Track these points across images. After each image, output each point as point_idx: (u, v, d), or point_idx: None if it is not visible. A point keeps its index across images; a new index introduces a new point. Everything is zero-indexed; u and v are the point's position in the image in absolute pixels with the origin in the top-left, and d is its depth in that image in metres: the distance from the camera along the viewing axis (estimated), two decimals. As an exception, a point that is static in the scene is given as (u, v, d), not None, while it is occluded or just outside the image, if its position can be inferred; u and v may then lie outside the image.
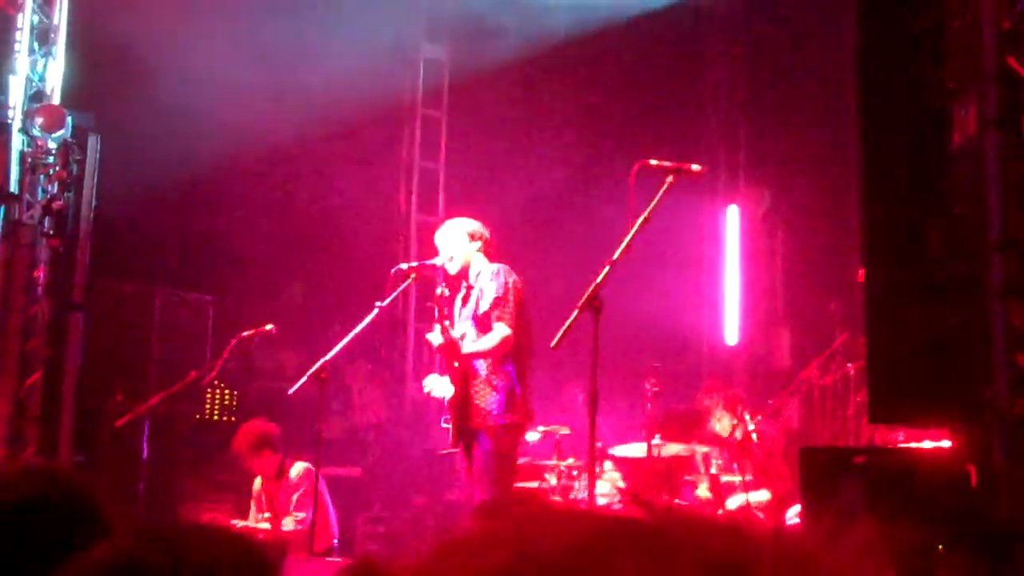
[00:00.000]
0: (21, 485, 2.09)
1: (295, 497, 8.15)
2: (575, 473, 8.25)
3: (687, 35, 12.00)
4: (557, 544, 0.78)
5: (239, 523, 8.21)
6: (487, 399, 6.86)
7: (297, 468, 8.26)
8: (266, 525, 8.08)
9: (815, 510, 3.80)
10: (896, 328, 3.60)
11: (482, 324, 7.01)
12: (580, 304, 5.41)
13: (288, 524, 8.08)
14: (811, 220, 10.54)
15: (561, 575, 0.76)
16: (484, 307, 6.94)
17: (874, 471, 3.40)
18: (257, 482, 8.42)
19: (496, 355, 6.88)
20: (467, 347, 6.99)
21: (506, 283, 6.97)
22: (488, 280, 6.99)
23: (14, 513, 2.01)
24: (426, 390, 7.19)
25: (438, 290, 6.95)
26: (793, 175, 11.03)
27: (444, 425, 7.09)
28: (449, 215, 7.71)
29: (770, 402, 8.53)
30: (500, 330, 6.87)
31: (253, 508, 8.43)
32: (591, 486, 5.45)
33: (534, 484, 8.00)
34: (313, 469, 7.87)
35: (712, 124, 12.13)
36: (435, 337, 6.96)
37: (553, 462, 8.36)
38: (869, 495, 3.35)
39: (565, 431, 8.55)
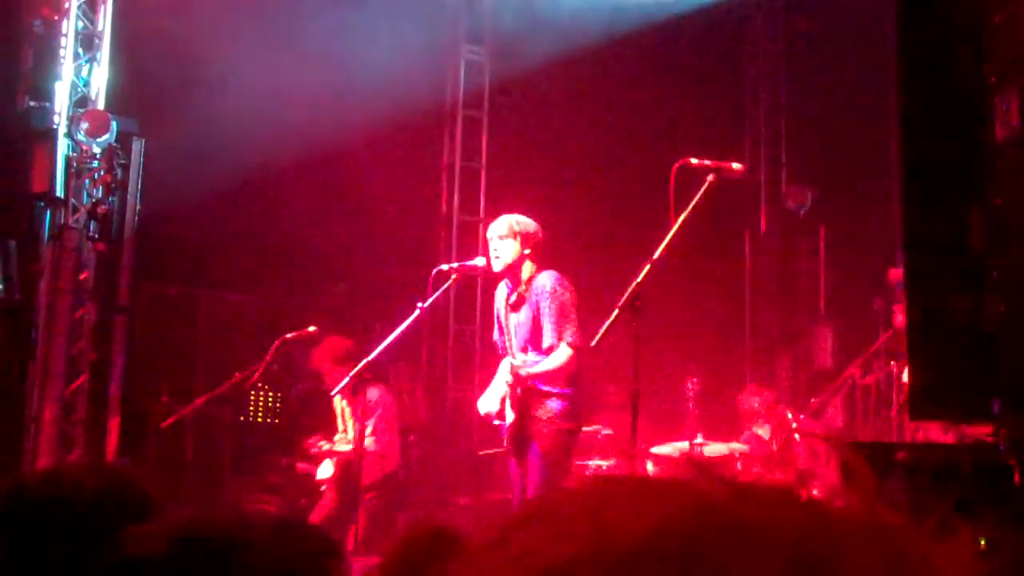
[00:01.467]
0: (83, 481, 2.12)
1: (373, 419, 8.32)
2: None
3: (728, 33, 11.98)
4: (637, 528, 0.75)
5: (325, 444, 8.54)
6: (546, 408, 6.81)
7: (374, 391, 8.36)
8: (347, 447, 8.29)
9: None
10: (938, 322, 3.58)
11: (537, 334, 6.94)
12: (620, 304, 5.41)
13: (369, 444, 8.18)
14: (853, 218, 10.49)
15: (637, 561, 0.73)
16: (546, 322, 6.87)
17: (916, 466, 3.38)
18: (337, 401, 8.58)
19: (562, 376, 6.83)
20: (530, 369, 6.91)
21: (563, 300, 6.89)
22: (547, 292, 6.90)
23: (78, 508, 2.04)
24: (483, 412, 7.14)
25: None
26: (836, 173, 10.98)
27: (497, 422, 7.04)
28: (490, 215, 7.69)
29: (813, 401, 8.49)
30: (565, 351, 6.80)
31: (340, 426, 8.66)
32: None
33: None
34: (389, 394, 8.22)
35: (754, 122, 12.09)
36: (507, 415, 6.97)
37: (595, 462, 8.36)
38: (911, 491, 3.33)
39: (607, 431, 8.55)
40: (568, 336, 6.77)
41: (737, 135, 11.94)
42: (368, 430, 8.21)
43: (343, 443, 8.45)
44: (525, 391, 6.86)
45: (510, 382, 6.81)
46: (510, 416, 6.92)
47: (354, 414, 8.21)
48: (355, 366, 8.02)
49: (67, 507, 2.04)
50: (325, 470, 8.57)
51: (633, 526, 0.75)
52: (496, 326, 7.21)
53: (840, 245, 10.74)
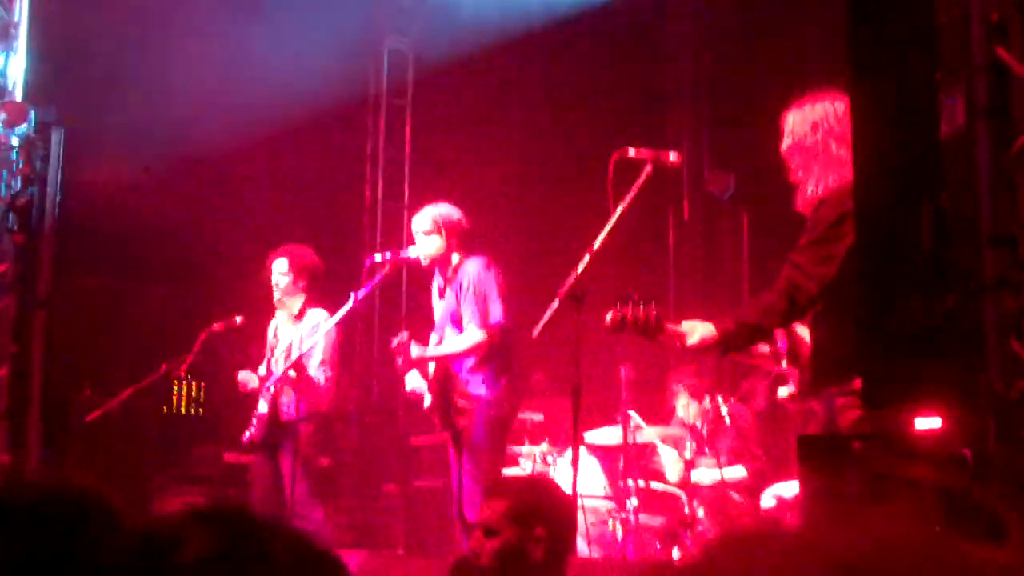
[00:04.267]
0: (46, 491, 2.08)
1: (320, 349, 7.69)
2: (550, 460, 8.29)
3: (651, 21, 12.03)
4: None
5: (260, 371, 7.94)
6: (471, 395, 6.86)
7: (316, 314, 7.84)
8: (292, 373, 7.52)
9: (815, 497, 3.86)
10: (888, 316, 3.65)
11: (458, 319, 7.00)
12: (561, 294, 5.42)
13: (317, 375, 7.67)
14: (776, 203, 10.59)
15: None
16: (465, 306, 6.92)
17: (873, 456, 3.45)
18: (272, 325, 8.15)
19: (469, 356, 6.87)
20: (432, 350, 6.97)
21: (485, 281, 6.93)
22: (470, 277, 6.95)
23: (40, 517, 2.00)
24: (408, 388, 7.17)
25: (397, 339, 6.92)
26: (758, 158, 11.08)
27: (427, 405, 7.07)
28: (415, 203, 7.67)
29: (743, 385, 8.61)
30: (473, 334, 6.86)
31: (268, 355, 8.06)
32: (575, 476, 5.47)
33: (510, 471, 8.01)
34: (333, 320, 7.49)
35: (676, 108, 12.17)
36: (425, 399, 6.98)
37: (527, 448, 8.40)
38: (868, 480, 3.40)
39: (538, 417, 8.59)
40: (478, 318, 6.82)
41: (660, 121, 12.02)
42: (316, 360, 7.73)
43: (289, 370, 7.57)
44: (445, 375, 6.92)
45: (400, 362, 6.86)
46: (427, 399, 6.98)
47: (295, 340, 7.79)
48: (308, 286, 7.89)
49: (30, 516, 2.00)
50: (261, 404, 7.86)
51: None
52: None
53: (763, 230, 10.87)
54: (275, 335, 8.13)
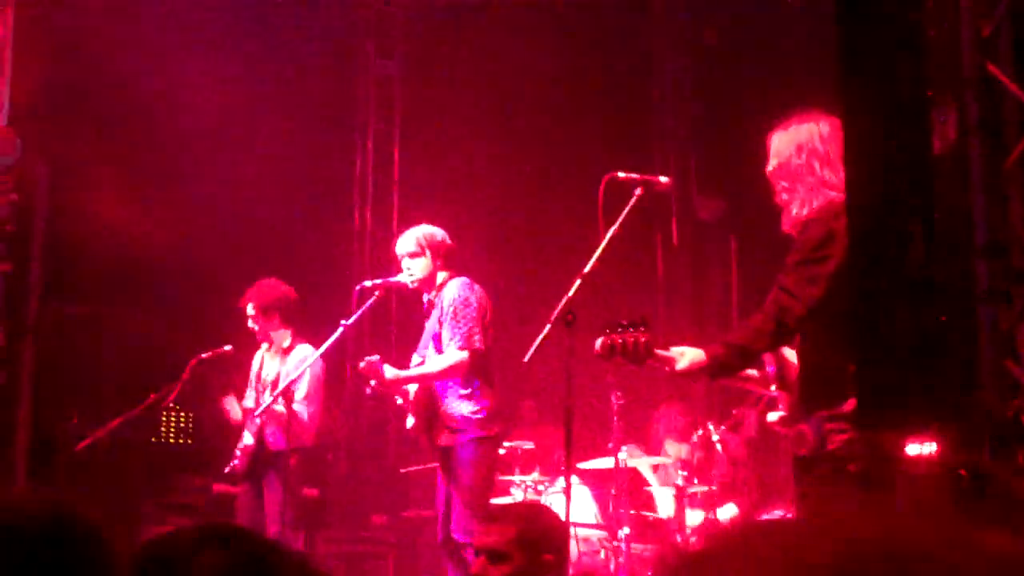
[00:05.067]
0: (29, 511, 2.05)
1: (305, 383, 7.67)
2: (541, 488, 8.23)
3: (637, 47, 12.06)
4: (831, 562, 0.77)
5: (246, 403, 7.92)
6: (456, 416, 6.83)
7: (303, 349, 7.84)
8: (281, 408, 7.40)
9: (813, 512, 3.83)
10: (882, 334, 3.63)
11: (439, 339, 6.97)
12: (552, 318, 5.39)
13: (300, 410, 7.62)
14: (765, 228, 10.58)
15: None
16: (446, 326, 6.90)
17: (868, 477, 3.42)
18: (257, 356, 8.12)
19: (446, 377, 6.84)
20: (409, 371, 6.94)
21: (466, 301, 6.91)
22: (452, 298, 6.93)
23: (25, 538, 1.97)
24: (408, 426, 7.12)
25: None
26: (746, 183, 11.08)
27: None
28: (403, 229, 7.65)
29: (734, 413, 8.57)
30: (452, 354, 6.82)
31: (253, 386, 8.04)
32: (568, 502, 5.43)
33: (501, 500, 7.96)
34: (319, 357, 7.52)
35: (662, 132, 12.17)
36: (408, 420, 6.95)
37: (518, 477, 8.34)
38: (865, 500, 3.37)
39: (528, 445, 8.54)
40: (459, 340, 6.79)
41: (647, 146, 12.01)
42: (301, 394, 7.69)
43: (276, 405, 7.48)
44: (428, 396, 6.88)
45: (372, 385, 6.82)
46: (410, 420, 6.94)
47: (280, 374, 7.77)
48: (282, 320, 7.88)
49: (13, 536, 1.97)
50: (246, 436, 7.88)
51: (822, 557, 0.77)
52: None
53: (752, 254, 10.86)
54: (260, 366, 8.11)
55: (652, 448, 8.92)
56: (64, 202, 9.14)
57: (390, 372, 6.83)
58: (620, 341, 4.66)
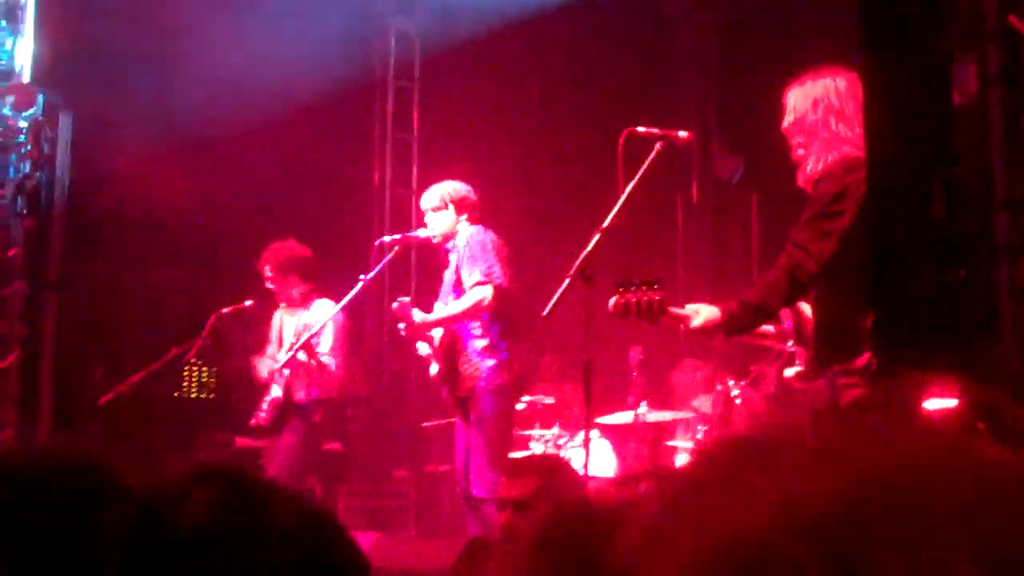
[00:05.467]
0: (56, 460, 2.08)
1: (327, 334, 7.85)
2: (561, 442, 8.28)
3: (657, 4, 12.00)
4: (824, 496, 0.76)
5: (264, 360, 8.06)
6: (476, 364, 6.84)
7: (321, 305, 7.97)
8: (304, 357, 7.66)
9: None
10: (901, 289, 3.63)
11: (459, 283, 6.99)
12: (571, 273, 5.41)
13: (328, 361, 7.80)
14: (785, 186, 10.54)
15: (828, 526, 0.74)
16: (464, 267, 6.91)
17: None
18: (276, 316, 8.23)
19: (471, 316, 6.84)
20: (435, 313, 6.96)
21: (481, 242, 6.92)
22: (467, 240, 6.95)
23: (52, 487, 2.00)
24: (422, 354, 7.14)
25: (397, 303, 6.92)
26: (766, 141, 11.04)
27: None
28: (423, 187, 7.66)
29: (752, 369, 8.58)
30: (475, 291, 6.82)
31: (273, 344, 8.16)
32: (586, 455, 5.47)
33: (520, 454, 8.01)
34: (340, 310, 7.70)
35: (683, 89, 12.12)
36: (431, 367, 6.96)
37: (538, 431, 8.39)
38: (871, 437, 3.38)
39: (549, 400, 8.58)
40: (480, 275, 6.79)
41: (667, 101, 11.97)
42: (326, 346, 7.87)
43: (299, 353, 7.69)
44: (451, 342, 6.90)
45: (403, 328, 6.86)
46: (434, 367, 6.96)
47: (301, 329, 7.86)
48: (301, 278, 7.97)
49: (42, 485, 2.00)
50: (275, 389, 7.96)
51: (820, 495, 0.75)
52: None
53: (772, 212, 10.83)
54: (281, 324, 8.21)
55: (673, 403, 8.94)
56: (86, 158, 9.15)
57: (418, 315, 6.88)
58: (634, 300, 4.67)
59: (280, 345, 8.11)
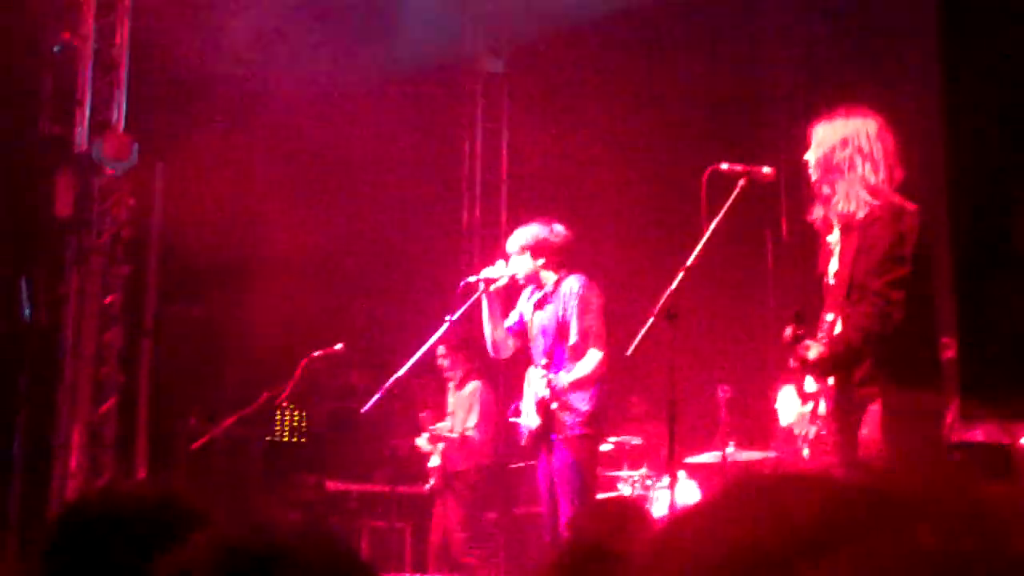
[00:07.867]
0: (140, 499, 2.13)
1: (475, 411, 8.92)
2: (649, 483, 8.20)
3: (744, 46, 11.92)
4: (812, 510, 0.78)
5: (436, 427, 9.05)
6: (570, 413, 6.79)
7: (474, 385, 8.98)
8: (453, 434, 8.94)
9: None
10: (987, 321, 3.56)
11: (563, 335, 6.93)
12: (656, 312, 5.37)
13: (472, 433, 8.89)
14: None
15: (819, 538, 0.76)
16: (573, 321, 6.86)
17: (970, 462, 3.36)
18: (450, 394, 9.16)
19: (594, 381, 6.82)
20: (564, 379, 6.88)
21: (595, 299, 6.90)
22: (575, 294, 6.90)
23: (135, 525, 2.05)
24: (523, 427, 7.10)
25: None
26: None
27: (512, 419, 7.09)
28: (512, 225, 7.67)
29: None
30: (595, 355, 6.79)
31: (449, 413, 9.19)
32: (672, 494, 5.41)
33: (608, 495, 7.94)
34: (489, 389, 9.03)
35: (772, 125, 12.02)
36: (531, 420, 6.94)
37: (626, 473, 8.32)
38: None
39: (636, 441, 8.51)
40: (595, 340, 6.78)
41: (756, 138, 11.87)
42: (472, 421, 8.85)
43: (450, 432, 9.00)
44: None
45: (546, 397, 6.78)
46: (536, 420, 6.90)
47: (457, 405, 8.98)
48: (467, 359, 8.90)
49: (125, 524, 2.06)
50: (434, 458, 9.01)
51: (809, 508, 0.79)
52: (518, 321, 7.20)
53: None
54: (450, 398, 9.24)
55: (765, 441, 8.78)
56: (180, 205, 9.33)
57: (564, 379, 6.84)
58: (802, 332, 4.70)
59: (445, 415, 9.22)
